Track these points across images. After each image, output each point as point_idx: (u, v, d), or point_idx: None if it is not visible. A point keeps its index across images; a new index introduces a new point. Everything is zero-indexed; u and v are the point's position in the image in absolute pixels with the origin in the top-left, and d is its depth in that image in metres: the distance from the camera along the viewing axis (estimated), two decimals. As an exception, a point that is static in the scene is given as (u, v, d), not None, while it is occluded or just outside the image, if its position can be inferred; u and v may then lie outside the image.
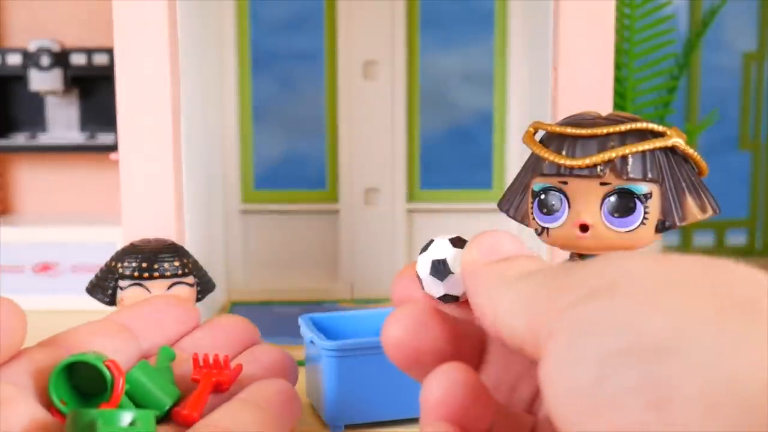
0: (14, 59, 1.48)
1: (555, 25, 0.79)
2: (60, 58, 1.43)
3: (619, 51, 1.22)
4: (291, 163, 1.99)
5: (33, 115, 1.58)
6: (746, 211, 1.63)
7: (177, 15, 0.80)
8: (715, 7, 1.48)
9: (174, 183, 0.77)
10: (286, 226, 1.11)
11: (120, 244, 0.74)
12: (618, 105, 1.22)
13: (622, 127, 0.52)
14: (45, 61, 1.42)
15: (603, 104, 0.77)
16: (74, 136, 1.56)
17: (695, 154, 0.53)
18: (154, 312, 0.38)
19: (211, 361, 0.34)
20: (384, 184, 1.08)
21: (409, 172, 1.10)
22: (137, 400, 0.33)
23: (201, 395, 0.33)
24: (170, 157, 0.78)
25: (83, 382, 0.33)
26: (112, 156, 1.17)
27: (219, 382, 0.34)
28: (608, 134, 0.52)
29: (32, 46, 1.46)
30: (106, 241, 1.17)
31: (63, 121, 1.57)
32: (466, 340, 0.33)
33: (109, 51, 1.44)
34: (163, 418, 0.34)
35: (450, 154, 1.22)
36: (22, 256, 1.47)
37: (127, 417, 0.28)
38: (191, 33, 0.86)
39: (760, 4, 1.65)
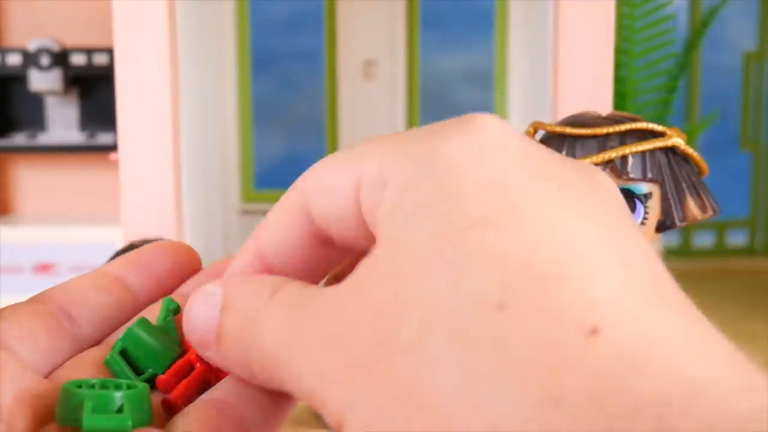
0: (14, 59, 1.48)
1: (555, 25, 0.79)
2: (60, 58, 1.43)
3: (619, 51, 1.22)
4: (291, 163, 1.98)
5: (33, 115, 1.58)
6: (746, 211, 1.63)
7: (177, 15, 0.80)
8: (715, 7, 1.48)
9: (174, 183, 0.77)
10: (286, 226, 1.11)
11: (119, 244, 0.74)
12: (618, 105, 1.22)
13: (622, 127, 0.52)
14: (45, 61, 1.42)
15: (603, 104, 0.77)
16: (74, 136, 1.55)
17: (695, 154, 0.53)
18: (151, 260, 0.35)
19: None
20: (384, 184, 1.08)
21: (409, 172, 1.10)
22: (136, 362, 0.31)
23: (192, 383, 0.31)
24: (170, 157, 0.78)
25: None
26: (112, 156, 1.17)
27: (217, 377, 0.31)
28: (608, 134, 0.52)
29: (32, 46, 1.46)
30: (105, 241, 1.17)
31: (63, 121, 1.57)
32: None
33: (109, 51, 1.43)
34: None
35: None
36: (22, 256, 1.46)
37: (118, 399, 0.26)
38: (191, 33, 0.86)
39: (760, 4, 1.66)
